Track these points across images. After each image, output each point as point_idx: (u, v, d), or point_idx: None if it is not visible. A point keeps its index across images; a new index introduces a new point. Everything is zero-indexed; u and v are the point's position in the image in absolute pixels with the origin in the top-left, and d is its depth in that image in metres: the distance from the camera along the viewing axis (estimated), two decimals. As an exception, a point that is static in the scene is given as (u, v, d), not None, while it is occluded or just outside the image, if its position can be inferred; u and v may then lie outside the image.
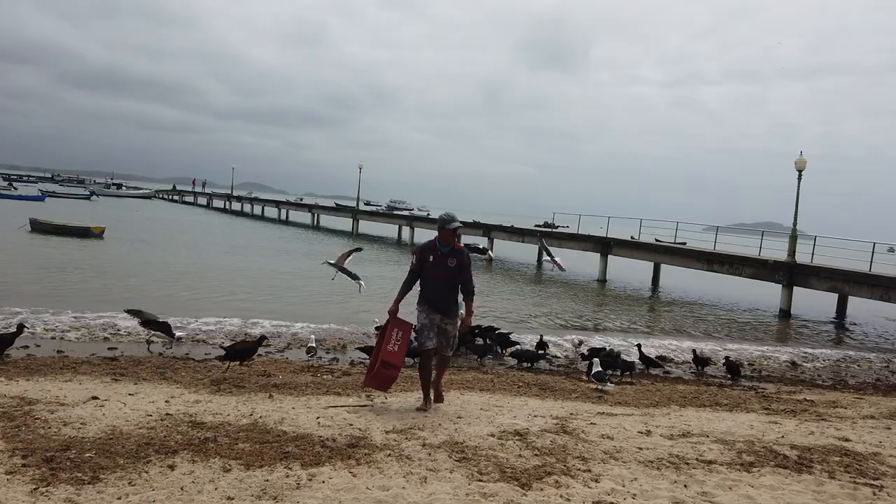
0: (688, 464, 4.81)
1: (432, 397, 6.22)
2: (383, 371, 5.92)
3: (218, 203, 77.12)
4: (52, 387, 6.30)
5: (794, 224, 21.38)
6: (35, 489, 3.60)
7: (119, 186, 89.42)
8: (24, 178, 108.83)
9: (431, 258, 5.93)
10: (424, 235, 24.44)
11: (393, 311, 6.05)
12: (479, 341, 11.16)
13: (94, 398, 5.81)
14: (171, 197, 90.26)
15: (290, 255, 27.35)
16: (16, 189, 64.41)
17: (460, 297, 6.07)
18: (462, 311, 6.11)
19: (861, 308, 21.94)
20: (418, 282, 6.13)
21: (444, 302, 5.96)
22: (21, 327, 8.74)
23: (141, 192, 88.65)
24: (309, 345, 9.99)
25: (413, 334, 6.52)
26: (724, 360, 11.48)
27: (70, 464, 4.00)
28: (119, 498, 3.56)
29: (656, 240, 28.69)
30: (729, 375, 10.79)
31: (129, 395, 6.13)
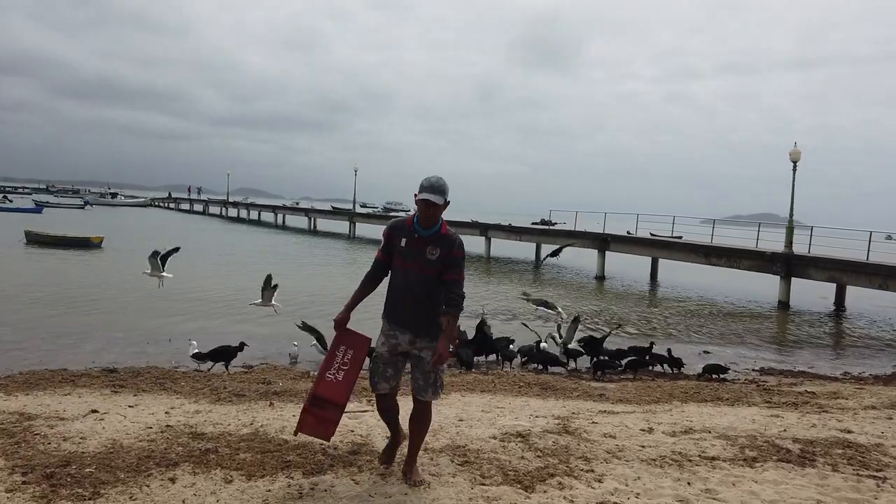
0: (690, 461, 4.80)
1: (404, 469, 4.16)
2: (316, 411, 3.95)
3: (214, 209, 77.21)
4: (51, 401, 6.27)
5: (791, 215, 21.41)
6: (35, 507, 3.57)
7: (114, 195, 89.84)
8: (19, 190, 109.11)
9: (404, 242, 3.91)
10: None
11: (340, 320, 4.02)
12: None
13: (94, 411, 5.78)
14: (166, 205, 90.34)
15: (291, 264, 27.27)
16: (11, 201, 64.48)
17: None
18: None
19: (860, 297, 21.95)
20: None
21: (416, 314, 3.90)
22: (242, 344, 8.89)
23: (136, 200, 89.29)
24: (191, 353, 9.00)
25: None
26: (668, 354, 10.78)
27: (70, 479, 3.97)
28: (120, 513, 3.54)
29: (651, 234, 28.72)
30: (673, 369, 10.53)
31: (129, 407, 6.10)
